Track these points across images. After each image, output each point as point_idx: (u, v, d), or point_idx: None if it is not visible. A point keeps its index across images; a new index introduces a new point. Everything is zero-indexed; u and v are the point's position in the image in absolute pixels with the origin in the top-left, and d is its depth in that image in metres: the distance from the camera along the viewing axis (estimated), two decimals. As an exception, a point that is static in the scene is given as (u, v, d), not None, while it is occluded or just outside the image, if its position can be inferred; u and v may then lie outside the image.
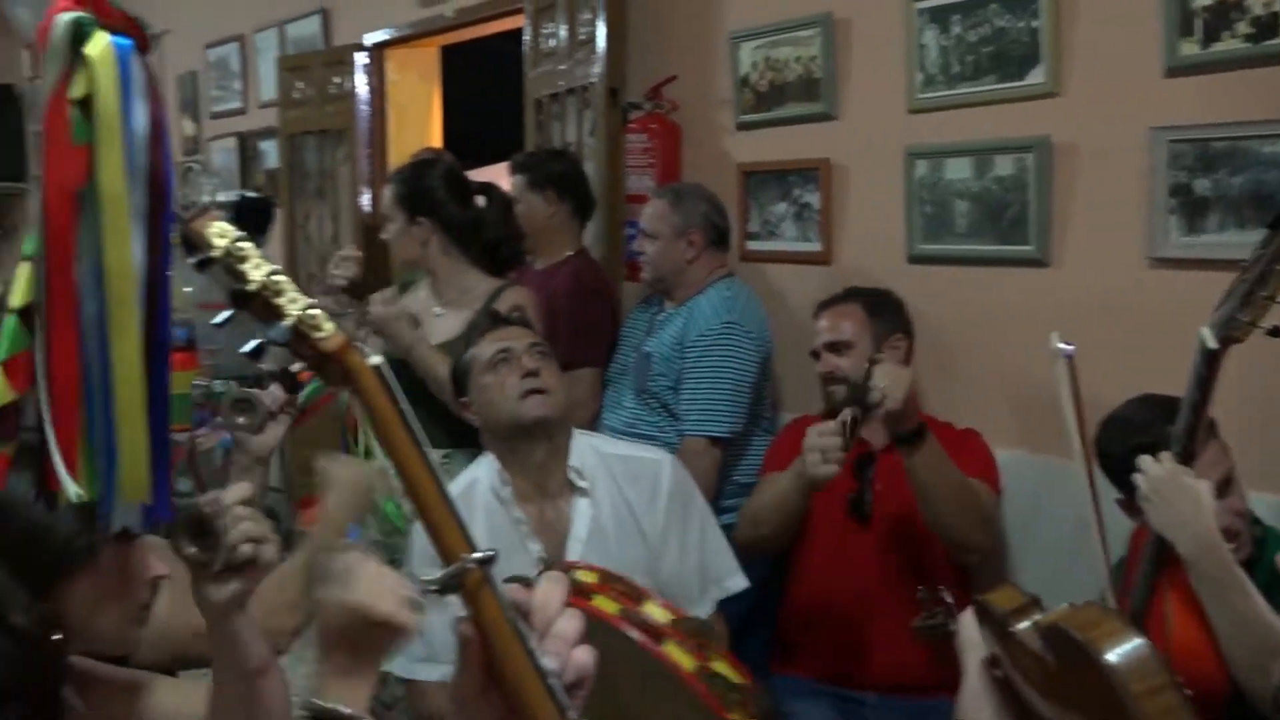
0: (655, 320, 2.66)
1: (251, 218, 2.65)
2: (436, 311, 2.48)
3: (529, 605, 0.61)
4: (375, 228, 4.36)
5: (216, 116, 5.42)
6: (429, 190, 2.47)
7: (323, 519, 1.58)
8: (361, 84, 4.29)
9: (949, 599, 1.43)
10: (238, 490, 1.05)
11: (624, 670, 1.25)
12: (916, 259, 2.51)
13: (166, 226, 0.57)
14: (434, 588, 0.60)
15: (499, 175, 3.24)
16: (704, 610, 1.91)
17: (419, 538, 1.89)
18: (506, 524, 1.84)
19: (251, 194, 3.26)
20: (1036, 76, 2.24)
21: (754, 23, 2.83)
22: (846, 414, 1.84)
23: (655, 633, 1.27)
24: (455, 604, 1.78)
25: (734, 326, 2.48)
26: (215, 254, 0.57)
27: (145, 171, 0.56)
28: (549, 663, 0.59)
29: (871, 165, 2.61)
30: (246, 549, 1.02)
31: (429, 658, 1.82)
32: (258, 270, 0.58)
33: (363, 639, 1.02)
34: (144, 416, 0.57)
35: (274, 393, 1.60)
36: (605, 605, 1.30)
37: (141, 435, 0.57)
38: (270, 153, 4.98)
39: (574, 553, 1.83)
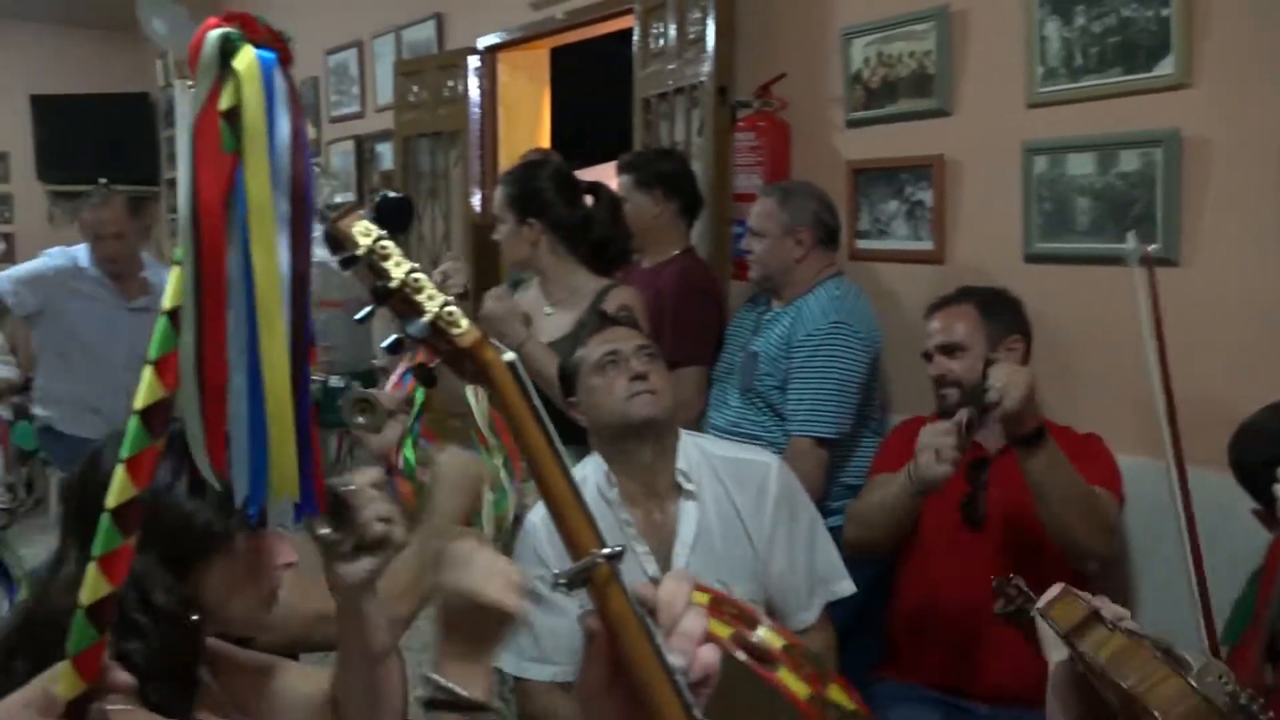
0: (762, 319, 2.64)
1: (393, 217, 2.73)
2: (546, 311, 2.51)
3: (655, 602, 0.61)
4: (485, 228, 4.47)
5: (335, 120, 5.60)
6: (538, 191, 2.51)
7: (433, 511, 1.61)
8: (474, 86, 4.38)
9: (1023, 585, 1.40)
10: (369, 473, 1.09)
11: (738, 695, 1.25)
12: (1034, 258, 2.44)
13: (308, 232, 0.60)
14: (563, 582, 0.61)
15: (607, 175, 3.27)
16: (811, 615, 1.89)
17: (527, 536, 1.92)
18: (613, 526, 1.85)
19: (393, 193, 3.36)
20: (1165, 67, 2.14)
21: (866, 18, 2.79)
22: (962, 414, 1.79)
23: (768, 658, 1.26)
24: (569, 606, 1.80)
25: (842, 326, 2.45)
26: (359, 252, 0.59)
27: (288, 179, 0.58)
28: (675, 660, 0.59)
29: (987, 161, 2.54)
30: (379, 528, 1.06)
31: (539, 658, 1.84)
32: (399, 268, 0.60)
33: (478, 624, 1.04)
34: (292, 416, 0.59)
35: (391, 394, 1.66)
36: (717, 629, 1.29)
37: (290, 434, 0.59)
38: (385, 155, 5.12)
39: (680, 556, 1.83)
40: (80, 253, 3.57)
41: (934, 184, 2.66)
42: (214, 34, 0.56)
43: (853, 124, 2.86)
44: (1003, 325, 2.15)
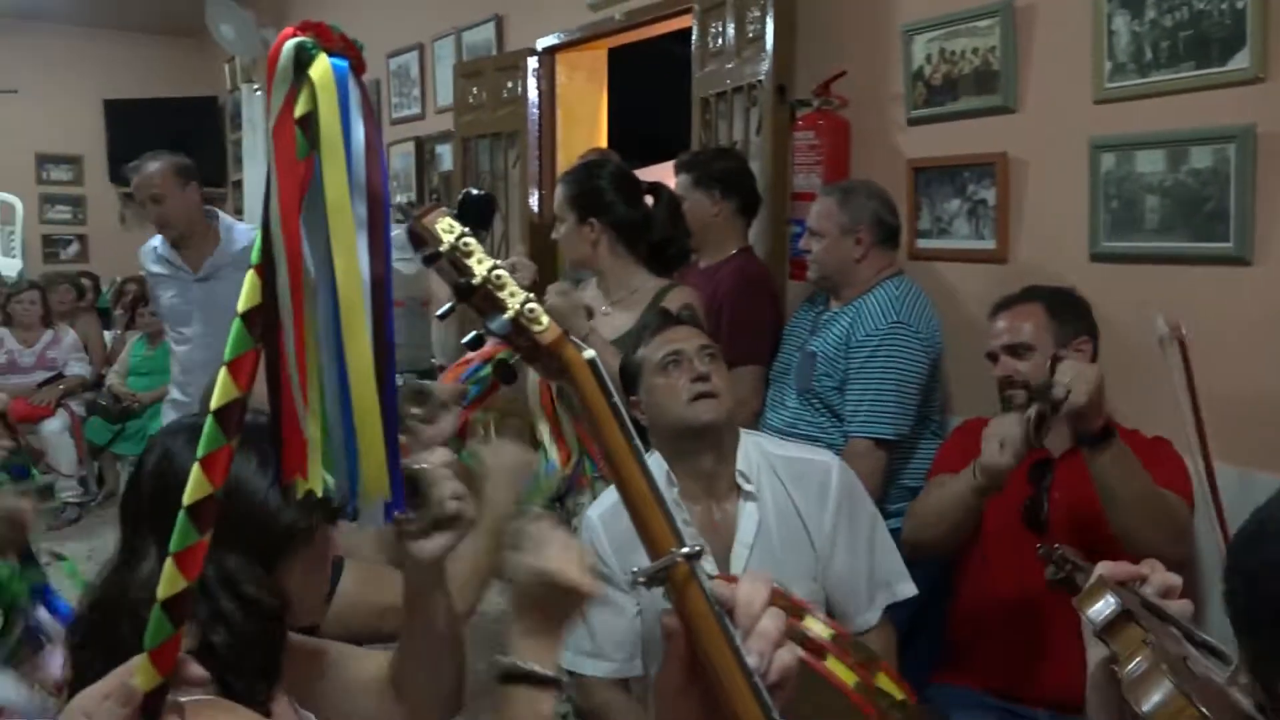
0: (820, 319, 2.62)
1: (475, 214, 2.76)
2: (604, 310, 2.52)
3: (733, 602, 0.61)
4: (544, 228, 4.49)
5: (396, 122, 5.68)
6: (599, 190, 2.52)
7: (486, 505, 1.63)
8: (532, 87, 4.41)
9: (1070, 554, 1.37)
10: (440, 453, 1.11)
11: None
12: (1100, 257, 2.39)
13: (386, 235, 0.60)
14: (641, 580, 0.61)
15: (664, 175, 3.27)
16: (872, 616, 1.87)
17: (585, 533, 1.92)
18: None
19: (475, 191, 3.39)
20: (1240, 61, 2.09)
21: (928, 15, 2.76)
22: (1032, 410, 1.76)
23: (817, 648, 1.25)
24: (626, 604, 1.81)
25: (902, 327, 2.42)
26: (442, 249, 0.60)
27: (364, 183, 0.59)
28: (752, 660, 0.58)
29: (1053, 159, 2.50)
30: (453, 505, 1.08)
31: (596, 653, 1.85)
32: (481, 265, 0.60)
33: (551, 603, 1.07)
34: (379, 417, 0.60)
35: (446, 385, 1.67)
36: None
37: (378, 434, 0.60)
38: (445, 156, 5.18)
39: (739, 556, 1.82)
40: (158, 239, 3.61)
41: (997, 182, 2.61)
42: (290, 43, 0.57)
43: (914, 122, 2.83)
44: (1071, 326, 2.10)
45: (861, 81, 2.95)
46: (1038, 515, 2.02)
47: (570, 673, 1.90)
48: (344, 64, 0.59)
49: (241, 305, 0.58)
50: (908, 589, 1.91)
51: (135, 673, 0.60)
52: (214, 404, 0.57)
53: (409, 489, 1.07)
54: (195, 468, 0.57)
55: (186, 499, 0.58)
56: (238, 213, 8.06)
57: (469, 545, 1.50)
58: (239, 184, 7.90)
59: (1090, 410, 1.75)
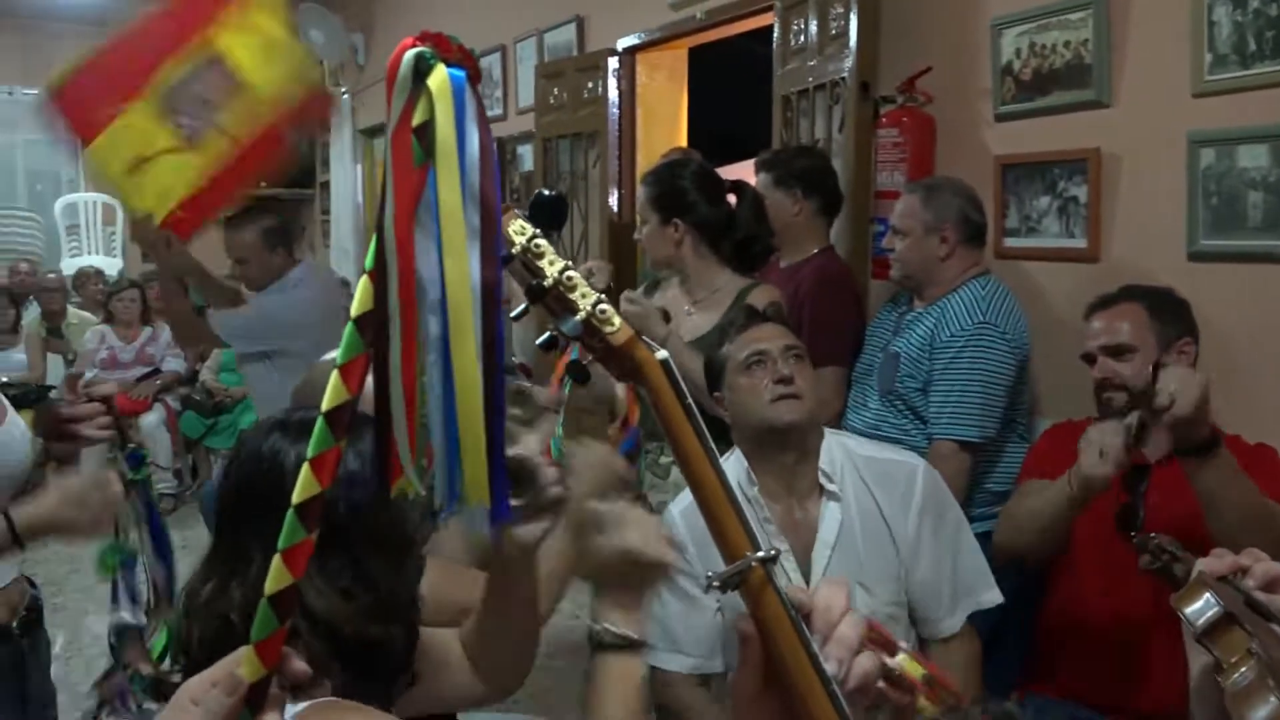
0: (903, 319, 2.58)
1: (546, 215, 2.79)
2: (687, 310, 2.52)
3: (810, 607, 0.60)
4: (624, 228, 4.51)
5: (478, 123, 5.74)
6: (682, 191, 2.52)
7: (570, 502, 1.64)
8: (613, 87, 4.43)
9: (1167, 544, 1.32)
10: (535, 440, 1.14)
11: None
12: (1199, 256, 2.31)
13: (497, 243, 0.61)
14: (716, 583, 0.61)
15: (744, 174, 3.25)
16: (955, 623, 1.84)
17: (665, 528, 1.92)
18: (753, 523, 1.84)
19: (547, 192, 3.42)
20: (1352, 51, 1.99)
21: (1019, 8, 2.69)
22: (1133, 417, 1.70)
23: (906, 686, 1.23)
24: (706, 600, 1.81)
25: (988, 328, 2.37)
26: (514, 250, 0.60)
27: (477, 191, 0.59)
28: (830, 667, 0.58)
29: (1148, 154, 2.42)
30: (556, 489, 1.12)
31: (673, 648, 1.86)
32: (553, 266, 0.61)
33: (634, 576, 1.13)
34: (483, 424, 0.60)
35: (545, 390, 1.70)
36: None
37: (481, 441, 0.61)
38: (526, 156, 5.23)
39: (821, 556, 1.80)
40: None
41: (1089, 179, 2.54)
42: (409, 53, 0.58)
43: (1002, 118, 2.77)
44: (1173, 327, 2.02)
45: (947, 77, 2.90)
46: (1133, 522, 1.95)
47: (651, 668, 1.90)
48: (461, 74, 0.59)
49: (354, 310, 0.59)
50: (992, 597, 1.87)
51: (241, 663, 0.62)
52: (325, 406, 0.58)
53: (516, 473, 1.10)
54: (305, 468, 0.59)
55: (295, 498, 0.59)
56: (324, 213, 8.26)
57: (549, 544, 1.52)
58: (326, 185, 8.09)
59: (1195, 420, 1.69)
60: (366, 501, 1.00)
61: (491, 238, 0.60)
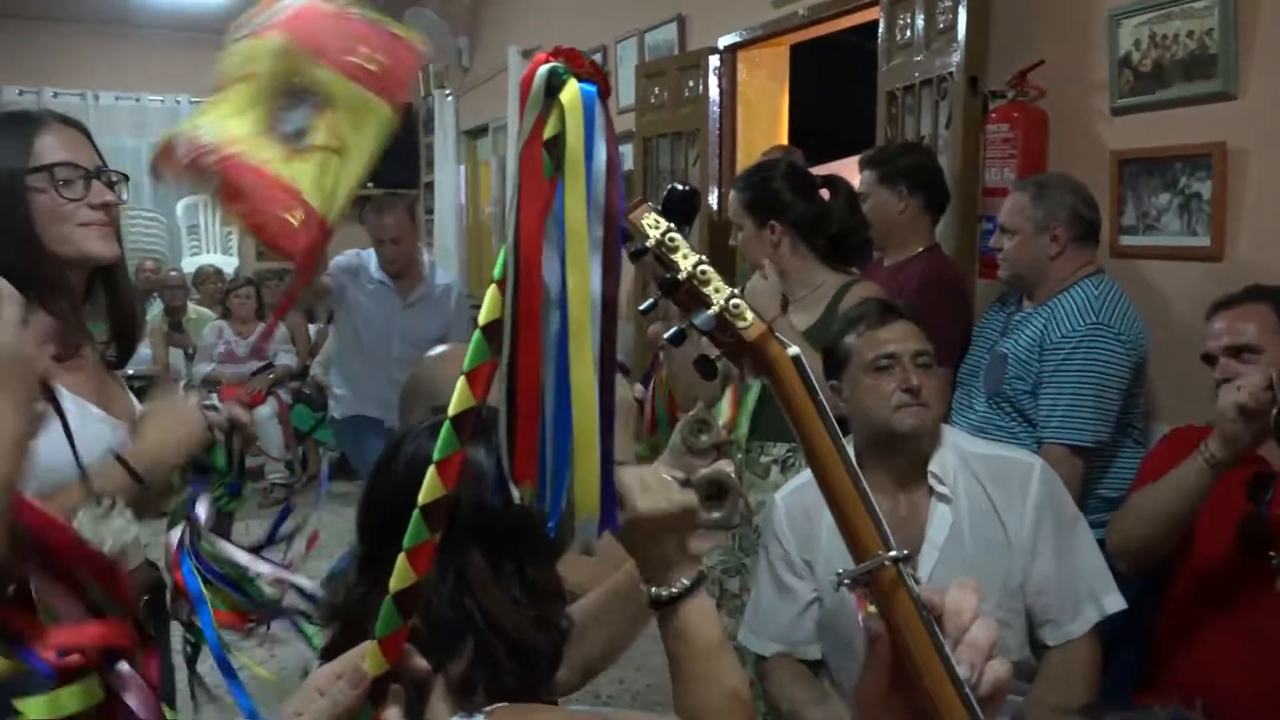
0: (1012, 320, 2.51)
1: (679, 209, 2.81)
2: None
3: (941, 609, 0.59)
4: (723, 227, 4.50)
5: (579, 123, 5.80)
6: (774, 193, 2.51)
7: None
8: (713, 86, 4.42)
9: None
10: (729, 464, 1.21)
11: None
12: (1334, 255, 2.19)
13: (619, 257, 0.62)
14: (846, 581, 0.60)
15: (846, 170, 3.20)
16: (1077, 628, 1.78)
17: (769, 511, 1.93)
18: None
19: (680, 186, 3.46)
20: None
21: (1138, -3, 2.60)
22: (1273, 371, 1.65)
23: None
24: (801, 590, 1.81)
25: (1102, 329, 2.29)
26: (649, 244, 0.60)
27: (602, 205, 0.60)
28: (963, 671, 0.56)
29: (1278, 149, 2.30)
30: (738, 518, 1.17)
31: (773, 635, 1.89)
32: (686, 260, 0.61)
33: (673, 529, 1.11)
34: (597, 436, 0.61)
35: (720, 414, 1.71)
36: None
37: (594, 453, 0.62)
38: (625, 156, 5.26)
39: (928, 557, 1.77)
40: (370, 257, 3.91)
41: (1213, 174, 2.43)
42: (543, 69, 0.59)
43: (1118, 111, 2.67)
44: None
45: (1061, 70, 2.81)
46: (1259, 532, 1.86)
47: (759, 658, 1.91)
48: (592, 89, 0.60)
49: (482, 318, 0.61)
50: (1115, 602, 1.81)
51: (366, 657, 0.64)
52: (451, 410, 0.60)
53: (715, 490, 1.16)
54: (430, 470, 0.60)
55: (422, 499, 0.60)
56: (428, 213, 8.45)
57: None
58: (430, 186, 8.27)
59: None
60: (526, 510, 1.01)
61: (613, 251, 0.60)
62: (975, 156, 2.90)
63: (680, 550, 1.10)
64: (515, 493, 0.62)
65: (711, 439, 1.34)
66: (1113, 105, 2.68)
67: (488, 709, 0.95)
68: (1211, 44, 2.42)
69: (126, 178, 1.57)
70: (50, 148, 1.45)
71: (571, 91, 0.59)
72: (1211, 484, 1.79)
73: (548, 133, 0.59)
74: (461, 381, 0.59)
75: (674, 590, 1.08)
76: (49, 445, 1.42)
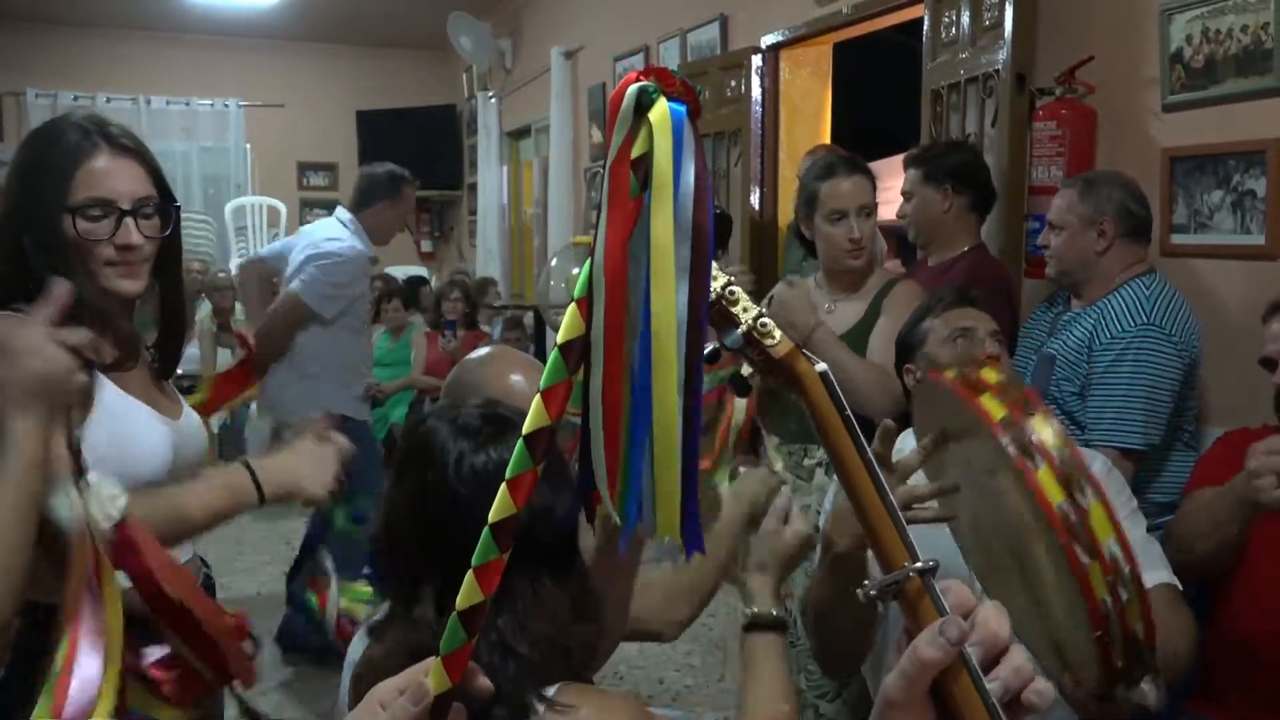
0: (1059, 320, 2.48)
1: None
2: (826, 307, 2.49)
3: (969, 612, 0.59)
4: (765, 226, 4.49)
5: (621, 124, 5.81)
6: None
7: (721, 524, 1.65)
8: (756, 85, 4.41)
9: None
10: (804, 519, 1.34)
11: (988, 478, 1.19)
12: (1394, 254, 2.13)
13: (706, 278, 0.61)
14: (872, 592, 0.60)
15: (890, 168, 3.18)
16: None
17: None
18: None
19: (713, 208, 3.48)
20: None
21: (1189, -8, 2.55)
22: None
23: (1032, 451, 1.15)
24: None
25: (1153, 329, 2.24)
26: None
27: (690, 226, 0.60)
28: (995, 688, 0.56)
29: (1336, 145, 2.25)
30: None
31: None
32: (715, 282, 0.61)
33: (798, 558, 1.30)
34: (679, 457, 0.61)
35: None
36: (991, 406, 1.20)
37: (676, 476, 0.61)
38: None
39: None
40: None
41: (1269, 171, 2.38)
42: (633, 87, 0.59)
43: (1170, 108, 2.63)
44: None
45: (1110, 67, 2.77)
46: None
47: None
48: (682, 109, 0.60)
49: (561, 337, 0.60)
50: (1164, 575, 1.77)
51: (429, 674, 0.64)
52: (526, 429, 0.60)
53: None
54: (503, 488, 0.60)
55: (492, 517, 0.60)
56: (471, 213, 8.52)
57: (697, 561, 1.54)
58: (474, 186, 8.34)
59: None
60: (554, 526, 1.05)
61: (701, 272, 0.60)
62: (1022, 155, 2.87)
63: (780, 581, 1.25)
64: (604, 511, 0.62)
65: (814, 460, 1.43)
66: (1164, 102, 2.64)
67: (551, 688, 0.99)
68: (1266, 39, 2.37)
69: (178, 206, 1.53)
70: (90, 180, 1.42)
71: (661, 110, 0.59)
72: (1248, 521, 1.74)
73: (635, 151, 0.59)
74: (537, 400, 0.59)
75: (774, 618, 1.23)
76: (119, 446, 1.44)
